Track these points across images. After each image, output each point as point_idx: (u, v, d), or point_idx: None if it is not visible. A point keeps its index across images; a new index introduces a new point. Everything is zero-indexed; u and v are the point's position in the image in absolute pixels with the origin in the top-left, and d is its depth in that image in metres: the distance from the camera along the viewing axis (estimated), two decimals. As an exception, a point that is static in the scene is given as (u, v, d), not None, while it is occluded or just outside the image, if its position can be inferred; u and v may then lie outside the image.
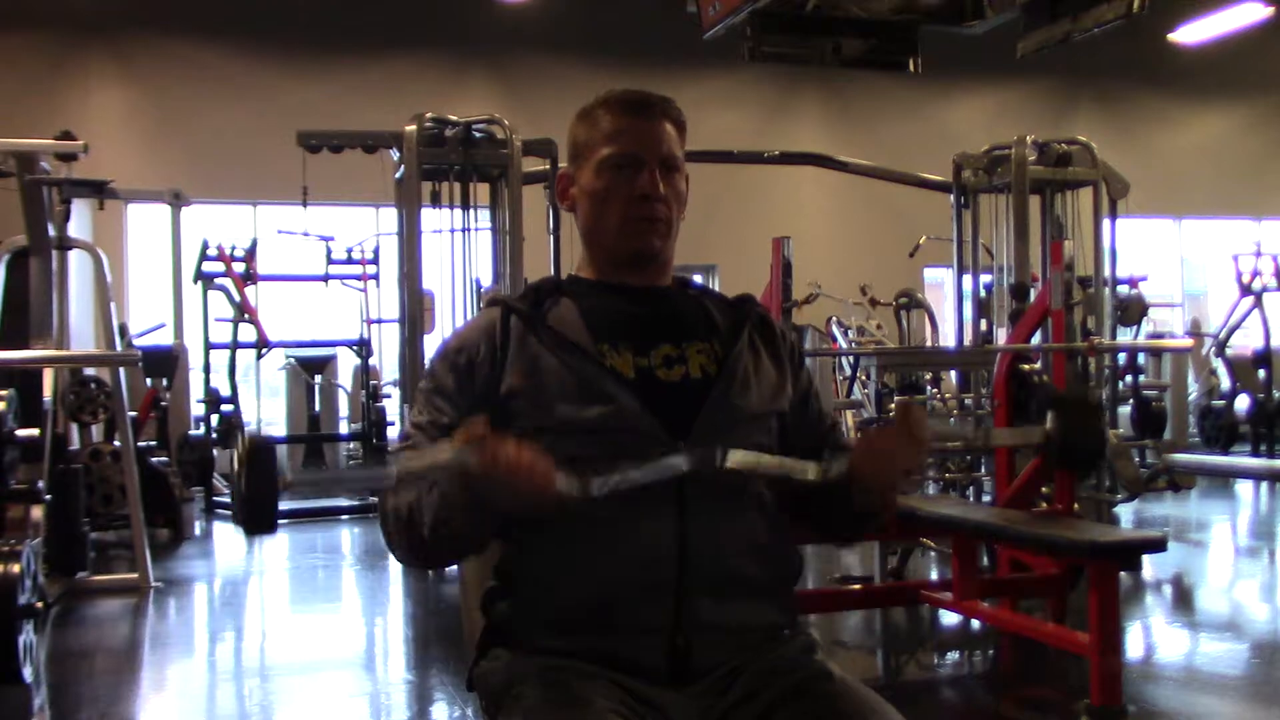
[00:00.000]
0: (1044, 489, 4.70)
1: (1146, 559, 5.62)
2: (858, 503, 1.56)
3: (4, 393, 4.67)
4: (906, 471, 1.52)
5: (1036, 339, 5.22)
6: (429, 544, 1.45)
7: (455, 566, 1.75)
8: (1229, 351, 10.58)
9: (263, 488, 1.26)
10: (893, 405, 6.36)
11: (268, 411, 10.94)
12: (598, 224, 1.63)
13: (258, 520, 1.33)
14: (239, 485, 1.30)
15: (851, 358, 7.74)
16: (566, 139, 1.67)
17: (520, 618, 1.52)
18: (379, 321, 9.48)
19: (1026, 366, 5.17)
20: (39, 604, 3.81)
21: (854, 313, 8.65)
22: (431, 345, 6.65)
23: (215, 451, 8.60)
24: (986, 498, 6.41)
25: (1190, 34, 11.75)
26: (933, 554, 5.77)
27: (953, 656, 4.59)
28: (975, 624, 4.61)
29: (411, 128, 6.27)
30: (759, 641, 1.53)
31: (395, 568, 6.43)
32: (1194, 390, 11.19)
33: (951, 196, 7.26)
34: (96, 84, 10.68)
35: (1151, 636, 4.70)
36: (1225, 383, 10.73)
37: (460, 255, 6.70)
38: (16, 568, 3.65)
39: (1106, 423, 1.50)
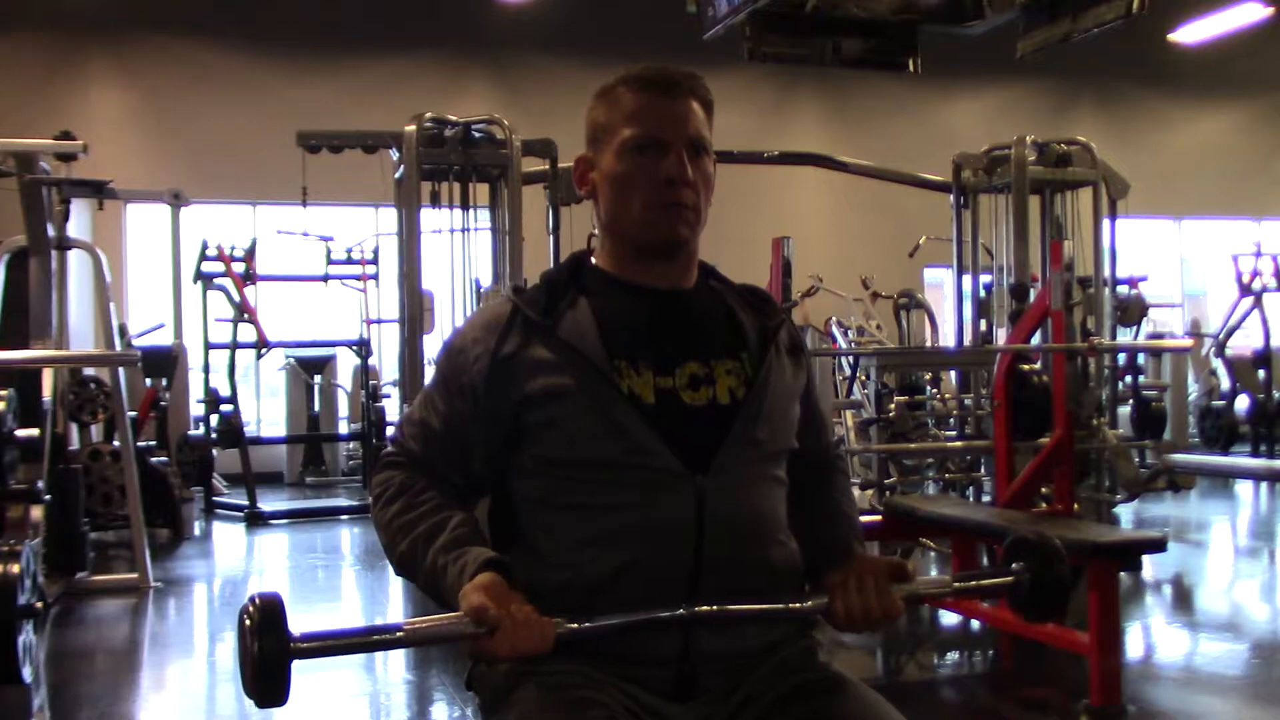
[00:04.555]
0: (1044, 489, 4.70)
1: (1146, 559, 5.62)
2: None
3: (4, 393, 4.67)
4: (882, 620, 1.46)
5: (1036, 339, 5.22)
6: (397, 570, 1.55)
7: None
8: (1229, 352, 10.57)
9: (273, 655, 1.23)
10: (893, 407, 6.34)
11: (267, 412, 10.94)
12: (620, 211, 1.52)
13: (268, 692, 1.30)
14: (245, 648, 1.25)
15: (851, 358, 7.74)
16: (585, 120, 1.56)
17: None
18: (379, 321, 9.49)
19: (1026, 367, 5.18)
20: (39, 604, 3.80)
21: (854, 311, 8.65)
22: (431, 345, 6.66)
23: (215, 451, 8.61)
24: (986, 498, 6.41)
25: (1190, 34, 11.75)
26: (933, 554, 5.77)
27: (953, 656, 4.60)
28: (975, 624, 4.61)
29: (411, 128, 6.27)
30: (764, 656, 1.51)
31: (395, 568, 6.43)
32: (1194, 390, 11.19)
33: (951, 196, 7.26)
34: (96, 84, 10.68)
35: (1151, 636, 4.70)
36: (1225, 383, 10.73)
37: (460, 255, 6.70)
38: (16, 568, 3.65)
39: (1068, 571, 1.51)
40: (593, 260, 1.61)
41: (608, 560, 1.43)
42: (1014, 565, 1.53)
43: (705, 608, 1.41)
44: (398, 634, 1.37)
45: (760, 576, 1.48)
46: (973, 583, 1.80)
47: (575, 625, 1.37)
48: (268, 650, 1.24)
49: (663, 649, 1.44)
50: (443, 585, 1.42)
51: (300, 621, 1.27)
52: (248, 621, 1.24)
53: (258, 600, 1.26)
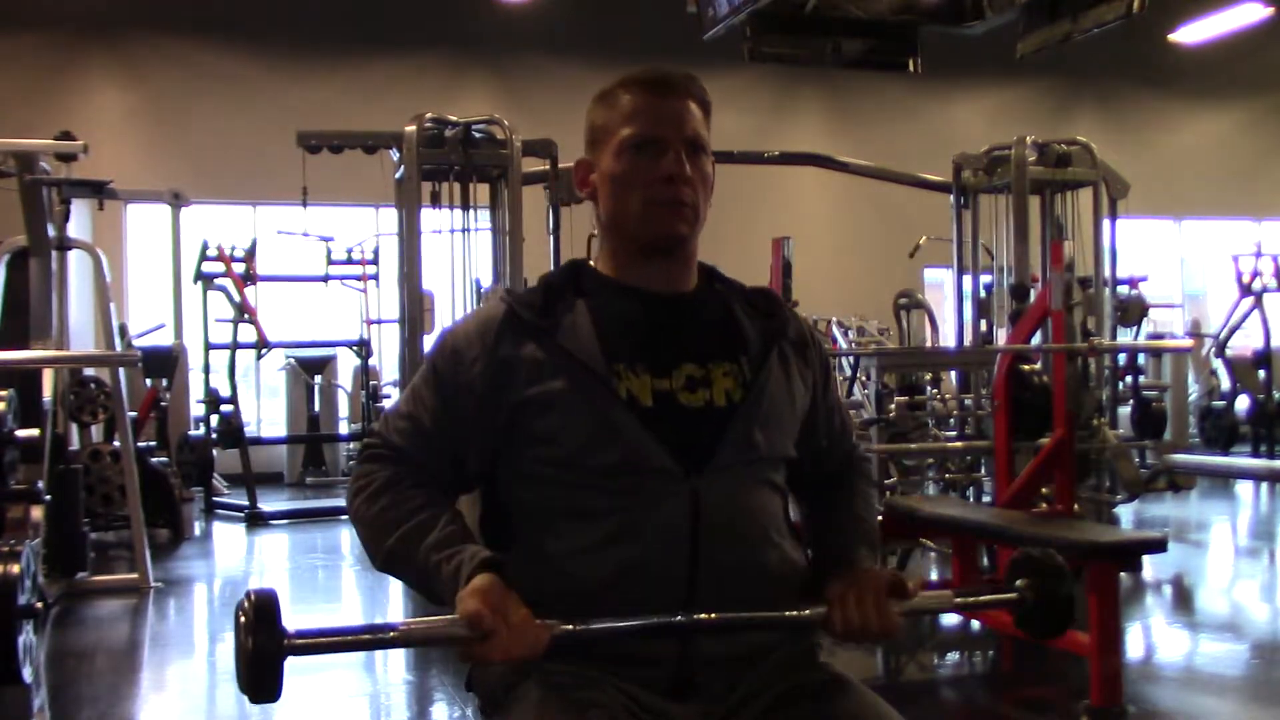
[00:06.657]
0: (1044, 489, 4.70)
1: (1146, 559, 5.61)
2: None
3: (4, 393, 4.66)
4: (879, 635, 1.45)
5: (1036, 339, 5.22)
6: (381, 566, 1.51)
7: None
8: (1229, 352, 10.58)
9: (266, 650, 1.22)
10: (893, 407, 6.35)
11: (268, 412, 10.94)
12: (619, 210, 1.52)
13: (260, 687, 1.30)
14: (240, 643, 1.24)
15: (851, 358, 7.74)
16: (585, 124, 1.58)
17: None
18: (379, 322, 9.48)
19: (1027, 367, 5.18)
20: (39, 604, 3.80)
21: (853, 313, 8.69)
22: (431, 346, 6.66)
23: (215, 452, 8.61)
24: (986, 498, 6.41)
25: (1190, 34, 11.75)
26: (933, 554, 5.77)
27: (953, 656, 4.59)
28: (975, 624, 4.61)
29: (411, 128, 6.27)
30: (763, 656, 1.51)
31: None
32: (1194, 391, 11.19)
33: (951, 197, 7.26)
34: (97, 84, 10.68)
35: (1151, 636, 4.70)
36: (1225, 383, 10.73)
37: (460, 255, 6.69)
38: (16, 568, 3.65)
39: (1075, 585, 1.48)
40: (592, 263, 1.61)
41: (606, 563, 1.43)
42: (1018, 582, 1.50)
43: (702, 616, 1.41)
44: (391, 634, 1.38)
45: (757, 580, 1.48)
46: (973, 598, 1.75)
47: (570, 628, 1.36)
48: (261, 646, 1.25)
49: (660, 650, 1.44)
50: (436, 583, 1.42)
51: (299, 621, 1.27)
52: (242, 618, 1.26)
53: (253, 596, 1.27)
